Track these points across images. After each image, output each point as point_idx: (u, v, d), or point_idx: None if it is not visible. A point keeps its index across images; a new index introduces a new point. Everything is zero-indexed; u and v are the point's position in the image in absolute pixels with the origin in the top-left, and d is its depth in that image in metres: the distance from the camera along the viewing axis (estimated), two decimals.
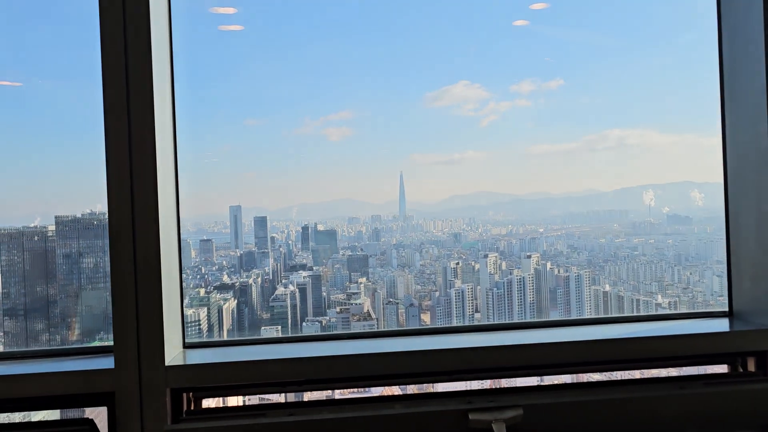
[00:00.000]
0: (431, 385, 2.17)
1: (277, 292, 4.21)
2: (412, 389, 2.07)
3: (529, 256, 4.18)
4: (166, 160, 1.66)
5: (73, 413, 1.99)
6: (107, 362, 1.61)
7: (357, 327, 4.13)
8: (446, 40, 3.67)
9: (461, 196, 4.25)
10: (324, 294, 4.22)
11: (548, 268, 4.17)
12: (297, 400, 1.76)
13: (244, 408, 1.66)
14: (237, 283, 4.14)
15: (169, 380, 1.59)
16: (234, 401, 1.80)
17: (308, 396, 1.88)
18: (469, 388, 1.87)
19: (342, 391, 1.96)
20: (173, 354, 1.65)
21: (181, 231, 1.73)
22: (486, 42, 3.61)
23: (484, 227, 4.31)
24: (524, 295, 4.13)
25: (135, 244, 1.57)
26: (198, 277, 4.31)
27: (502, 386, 1.90)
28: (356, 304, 4.18)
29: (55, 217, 4.17)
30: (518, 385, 1.81)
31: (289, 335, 1.82)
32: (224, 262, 4.27)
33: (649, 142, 4.03)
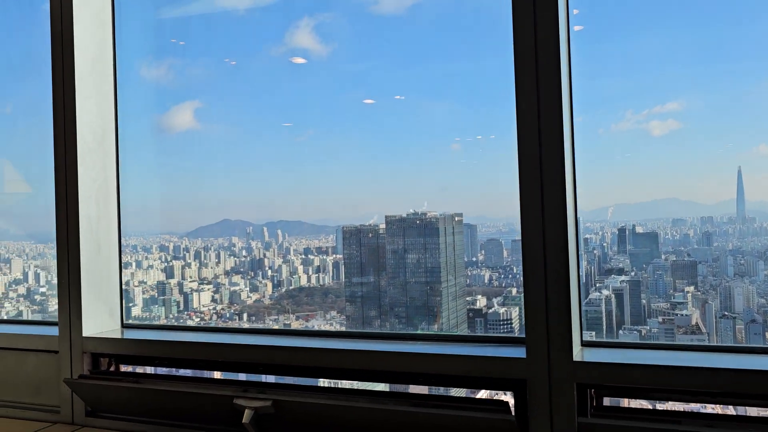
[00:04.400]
0: None
1: (590, 296, 4.11)
2: None
3: None
4: (569, 165, 1.75)
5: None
6: (515, 352, 1.77)
7: (683, 340, 3.79)
8: None
9: None
10: (643, 301, 3.97)
11: None
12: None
13: (655, 412, 1.65)
14: None
15: (576, 375, 1.66)
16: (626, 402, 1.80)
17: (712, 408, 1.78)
18: None
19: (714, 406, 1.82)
20: (575, 351, 1.72)
21: (579, 233, 1.80)
22: None
23: None
24: None
25: (545, 249, 1.69)
26: (510, 276, 4.47)
27: None
28: (682, 315, 3.82)
29: (386, 216, 4.79)
30: None
31: (690, 343, 1.75)
32: None
33: None
